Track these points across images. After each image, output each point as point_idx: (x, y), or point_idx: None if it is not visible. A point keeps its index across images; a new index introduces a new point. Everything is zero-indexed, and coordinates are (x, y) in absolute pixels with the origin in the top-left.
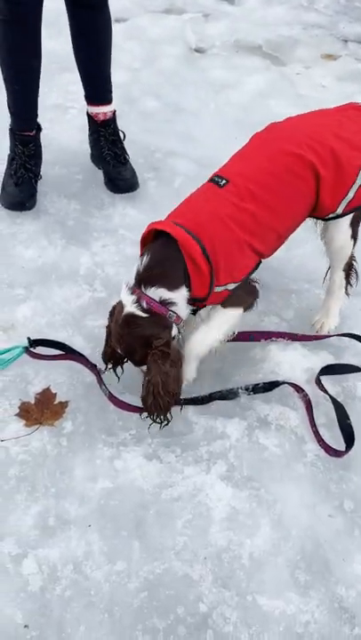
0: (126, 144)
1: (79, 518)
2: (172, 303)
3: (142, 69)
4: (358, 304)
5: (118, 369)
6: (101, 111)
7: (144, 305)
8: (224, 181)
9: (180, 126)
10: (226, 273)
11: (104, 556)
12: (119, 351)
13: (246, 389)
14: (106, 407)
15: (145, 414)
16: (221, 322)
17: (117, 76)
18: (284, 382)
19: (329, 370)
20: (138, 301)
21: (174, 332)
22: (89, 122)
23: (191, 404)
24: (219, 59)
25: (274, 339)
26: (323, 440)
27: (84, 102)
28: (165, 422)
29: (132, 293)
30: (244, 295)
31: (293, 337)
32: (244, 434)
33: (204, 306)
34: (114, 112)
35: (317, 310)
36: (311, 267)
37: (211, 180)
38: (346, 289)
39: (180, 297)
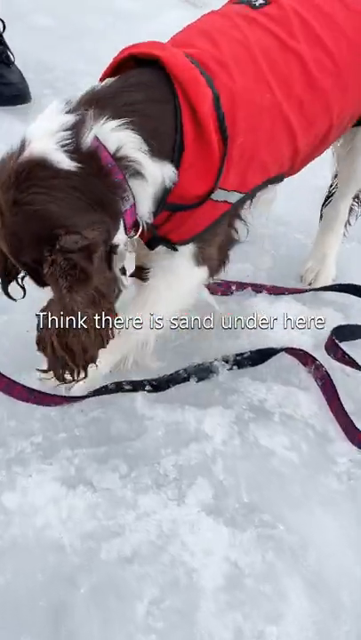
0: (12, 57)
1: None
2: (137, 172)
3: None
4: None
5: (14, 289)
6: None
7: (86, 142)
8: (261, 0)
9: (84, 46)
10: (241, 167)
11: None
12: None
13: (225, 361)
14: None
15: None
16: (177, 285)
17: None
18: (281, 349)
19: (339, 333)
20: (74, 127)
21: (120, 236)
22: None
23: (139, 389)
24: None
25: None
26: None
27: None
28: (73, 380)
29: (67, 112)
30: (219, 241)
31: (279, 291)
32: (233, 431)
33: (167, 242)
34: None
35: (305, 258)
36: (282, 208)
37: None
38: (345, 226)
39: (154, 173)
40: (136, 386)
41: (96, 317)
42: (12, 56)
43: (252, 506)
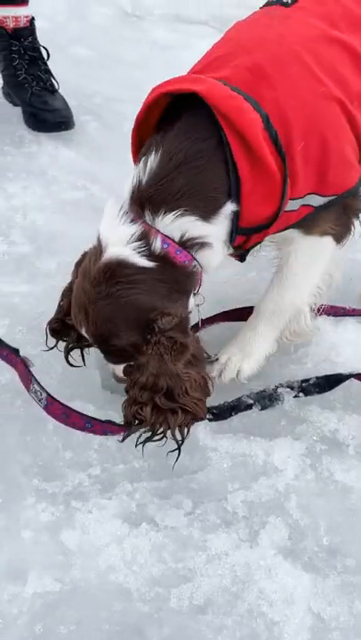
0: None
1: None
2: (203, 244)
3: (68, 22)
4: None
5: (75, 354)
6: (12, 14)
7: (157, 247)
8: None
9: (122, 75)
10: (308, 173)
11: None
12: (83, 332)
13: (290, 387)
14: (39, 425)
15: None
16: (307, 262)
17: (37, 22)
18: (350, 375)
19: None
20: (143, 238)
21: (191, 302)
22: None
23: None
24: (160, 23)
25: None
26: None
27: None
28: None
29: (131, 222)
30: (339, 217)
31: (339, 312)
32: (305, 464)
33: (257, 243)
34: (31, 19)
35: None
36: None
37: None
38: None
39: (220, 229)
40: None
41: (198, 375)
42: (56, 84)
43: (332, 549)
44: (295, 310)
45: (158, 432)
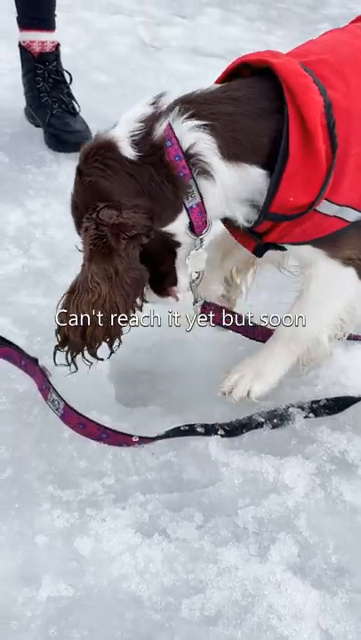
0: (78, 107)
1: None
2: (205, 171)
3: (89, 50)
4: None
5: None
6: (39, 39)
7: (155, 131)
8: None
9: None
10: (354, 182)
11: None
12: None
13: (301, 408)
14: (55, 433)
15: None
16: (329, 291)
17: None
18: (360, 398)
19: None
20: (149, 120)
21: (176, 227)
22: (22, 56)
23: (211, 433)
24: (178, 55)
25: None
26: None
27: (16, 29)
28: (71, 360)
29: (151, 104)
30: (357, 244)
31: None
32: (315, 483)
33: (275, 245)
34: (57, 45)
35: None
36: None
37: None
38: None
39: (230, 178)
40: (209, 430)
41: (107, 294)
42: (77, 107)
43: (341, 567)
44: (313, 339)
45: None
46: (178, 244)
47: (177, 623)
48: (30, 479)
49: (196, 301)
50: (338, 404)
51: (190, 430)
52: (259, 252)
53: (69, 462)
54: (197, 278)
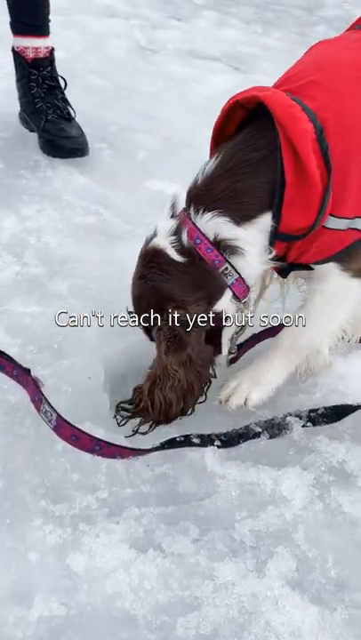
0: (73, 113)
1: None
2: (234, 249)
3: (85, 53)
4: None
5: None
6: (32, 45)
7: (184, 240)
8: None
9: (137, 105)
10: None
11: None
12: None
13: (298, 417)
14: (48, 446)
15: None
16: (335, 302)
17: (55, 52)
18: (359, 406)
19: None
20: (177, 232)
21: (223, 304)
22: (15, 61)
23: (208, 444)
24: (174, 58)
25: None
26: None
27: (10, 33)
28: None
29: (171, 217)
30: None
31: None
32: (313, 495)
33: (300, 265)
34: (51, 50)
35: None
36: None
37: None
38: None
39: (253, 237)
40: (205, 440)
41: (184, 377)
42: (72, 112)
43: (340, 582)
44: (314, 350)
45: (134, 414)
46: (227, 318)
47: None
48: (23, 493)
49: (230, 353)
50: (336, 413)
51: (186, 441)
52: (284, 273)
53: (62, 475)
54: (239, 331)
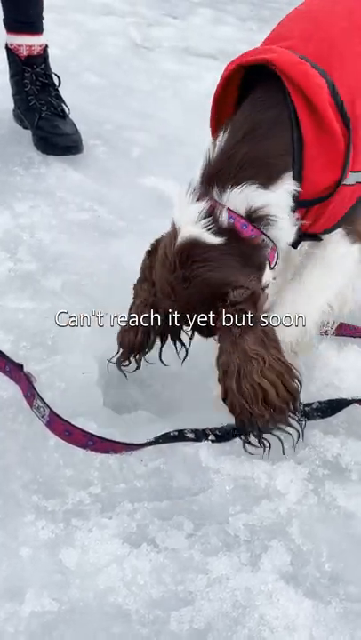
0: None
1: None
2: (267, 218)
3: (80, 51)
4: None
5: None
6: (26, 43)
7: (223, 221)
8: None
9: (132, 103)
10: None
11: None
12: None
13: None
14: (40, 441)
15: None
16: (334, 267)
17: (50, 49)
18: (353, 400)
19: None
20: (211, 215)
21: (267, 277)
22: (9, 59)
23: (202, 439)
24: (169, 55)
25: None
26: None
27: (2, 31)
28: (259, 436)
29: (197, 200)
30: None
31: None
32: (308, 489)
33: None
34: (45, 48)
35: None
36: None
37: None
38: None
39: (281, 199)
40: (199, 435)
41: (265, 355)
42: (66, 109)
43: (335, 576)
44: (301, 322)
45: (243, 424)
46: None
47: (165, 637)
48: (15, 488)
49: None
50: (331, 407)
51: (180, 436)
52: (295, 244)
53: (55, 471)
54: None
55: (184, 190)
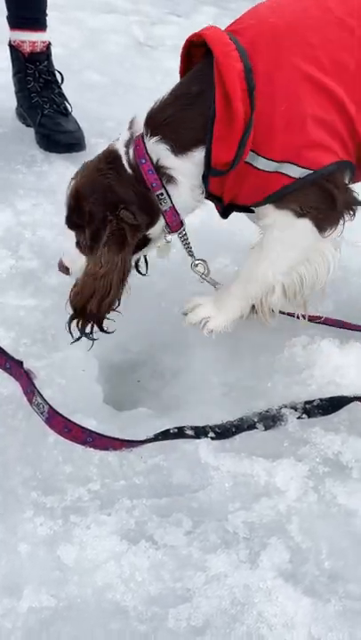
0: (70, 107)
1: None
2: (170, 177)
3: (82, 49)
4: None
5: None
6: (29, 39)
7: (130, 158)
8: None
9: (134, 101)
10: (287, 138)
11: None
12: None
13: (293, 409)
14: (40, 438)
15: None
16: (282, 239)
17: (52, 47)
18: (354, 398)
19: None
20: (128, 145)
21: (156, 230)
22: (12, 56)
23: (202, 436)
24: (172, 53)
25: None
26: None
27: (6, 27)
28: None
29: (129, 128)
30: (318, 200)
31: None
32: (308, 486)
33: (240, 207)
34: (48, 44)
35: None
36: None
37: None
38: None
39: (187, 168)
40: (199, 432)
41: (115, 275)
42: (69, 107)
43: (334, 574)
44: (267, 283)
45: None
46: (150, 240)
47: (163, 634)
48: (14, 485)
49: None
50: (332, 405)
51: (180, 433)
52: (225, 214)
53: (54, 467)
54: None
55: (133, 119)
